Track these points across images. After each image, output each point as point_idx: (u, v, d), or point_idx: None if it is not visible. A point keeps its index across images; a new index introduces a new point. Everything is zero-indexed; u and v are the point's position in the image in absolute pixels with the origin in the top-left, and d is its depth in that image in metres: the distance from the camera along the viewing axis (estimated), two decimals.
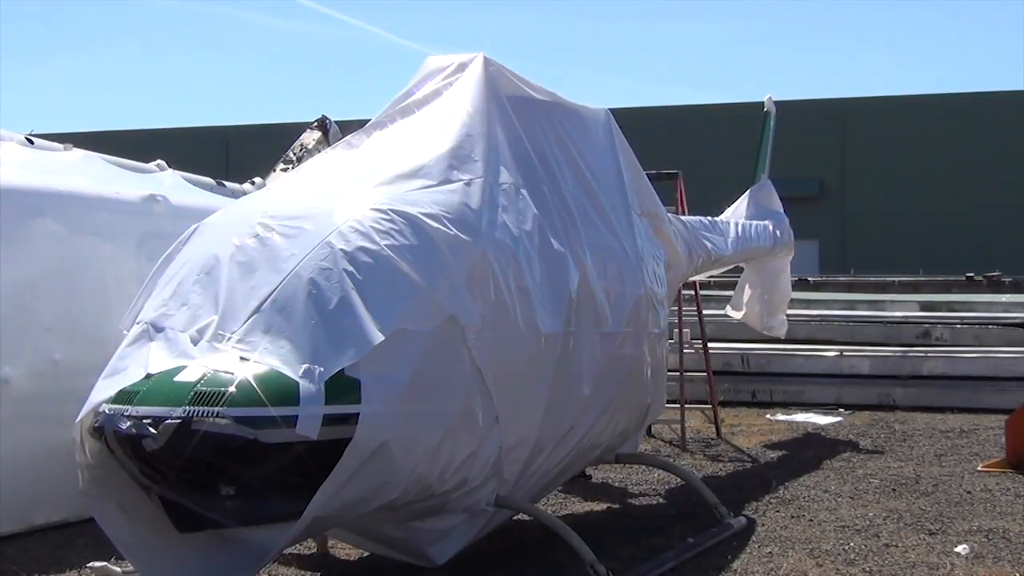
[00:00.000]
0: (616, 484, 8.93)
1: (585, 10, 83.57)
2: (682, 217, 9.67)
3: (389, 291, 5.02)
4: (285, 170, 10.03)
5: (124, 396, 4.85)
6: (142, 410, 4.71)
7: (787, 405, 13.75)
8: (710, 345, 12.59)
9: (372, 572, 6.47)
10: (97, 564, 6.31)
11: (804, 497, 8.38)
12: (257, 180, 10.21)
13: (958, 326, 15.20)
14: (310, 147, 10.59)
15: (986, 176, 39.38)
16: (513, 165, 6.26)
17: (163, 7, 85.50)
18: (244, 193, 9.55)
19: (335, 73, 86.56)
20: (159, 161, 9.42)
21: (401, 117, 6.43)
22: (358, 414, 4.71)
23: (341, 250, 5.07)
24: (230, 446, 4.61)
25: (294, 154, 10.64)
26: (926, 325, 15.29)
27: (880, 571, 6.32)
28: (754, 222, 11.37)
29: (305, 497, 4.68)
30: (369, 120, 6.54)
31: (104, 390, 5.00)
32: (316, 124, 11.01)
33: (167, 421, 4.61)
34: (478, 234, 5.58)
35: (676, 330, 11.91)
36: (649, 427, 10.79)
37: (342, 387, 4.72)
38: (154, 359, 5.03)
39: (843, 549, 6.76)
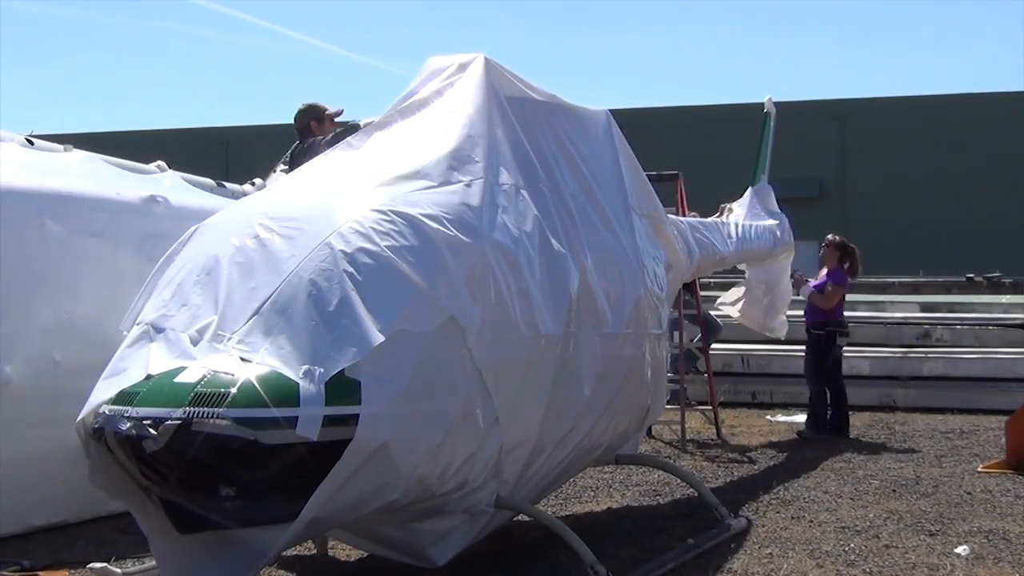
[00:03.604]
0: (616, 485, 8.93)
1: (577, 20, 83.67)
2: (682, 218, 9.67)
3: (389, 292, 5.02)
4: (285, 171, 10.01)
5: (124, 397, 4.85)
6: (142, 411, 4.71)
7: (787, 406, 13.75)
8: (710, 346, 12.59)
9: (372, 573, 6.47)
10: (97, 565, 6.31)
11: (804, 498, 8.38)
12: (257, 181, 10.20)
13: (958, 327, 15.21)
14: None
15: (986, 177, 39.35)
16: (513, 166, 6.26)
17: (162, 27, 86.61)
18: (244, 194, 9.54)
19: (332, 82, 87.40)
20: (159, 162, 9.41)
21: (401, 118, 6.43)
22: (358, 415, 4.71)
23: (341, 251, 5.07)
24: (230, 447, 4.61)
25: (297, 151, 10.58)
26: (926, 326, 15.30)
27: (880, 572, 6.33)
28: (754, 223, 11.38)
29: (306, 498, 4.68)
30: (371, 121, 6.54)
31: (104, 391, 5.00)
32: None
33: (167, 422, 4.61)
34: (478, 235, 5.58)
35: (676, 331, 11.91)
36: (649, 428, 10.79)
37: (342, 388, 4.71)
38: (154, 360, 5.03)
39: (843, 550, 6.76)
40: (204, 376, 4.76)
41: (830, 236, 12.11)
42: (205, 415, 4.59)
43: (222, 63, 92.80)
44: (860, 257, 12.09)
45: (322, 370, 4.70)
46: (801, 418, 12.85)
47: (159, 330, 5.19)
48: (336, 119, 8.70)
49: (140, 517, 5.16)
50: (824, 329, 11.64)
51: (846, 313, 15.91)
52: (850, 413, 11.87)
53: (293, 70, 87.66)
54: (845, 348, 13.77)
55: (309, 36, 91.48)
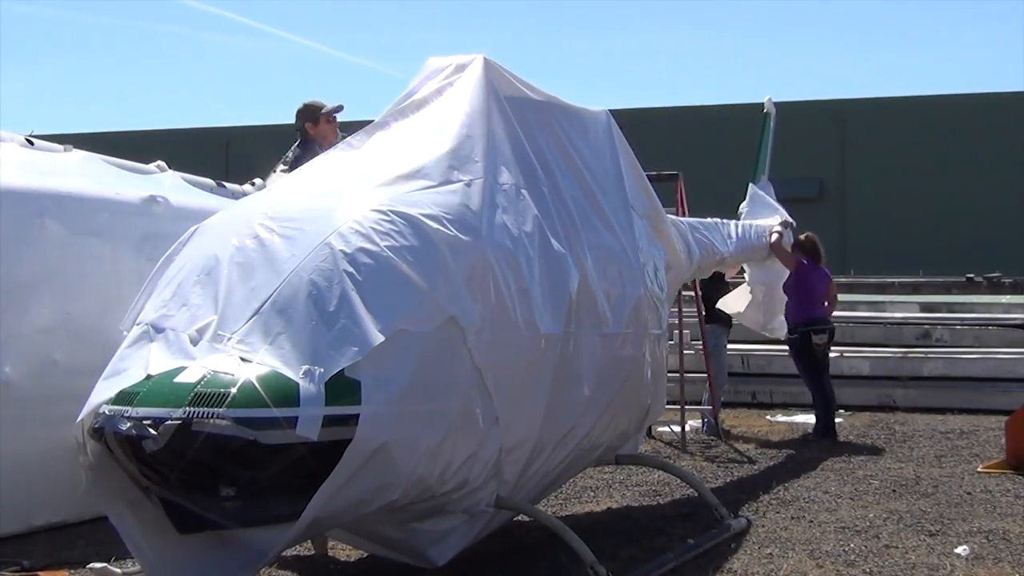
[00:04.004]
0: (616, 485, 8.93)
1: (577, 22, 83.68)
2: (682, 218, 9.67)
3: (389, 292, 5.02)
4: (285, 171, 10.02)
5: (124, 397, 4.86)
6: (142, 411, 4.71)
7: (787, 406, 13.75)
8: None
9: (372, 573, 6.48)
10: (97, 565, 6.31)
11: (804, 498, 8.38)
12: (257, 181, 10.19)
13: (958, 327, 15.21)
14: None
15: (986, 177, 39.35)
16: (513, 166, 6.26)
17: (162, 31, 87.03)
18: (244, 194, 9.54)
19: (329, 83, 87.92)
20: (159, 162, 9.41)
21: (401, 118, 6.43)
22: (358, 415, 4.71)
23: (341, 251, 5.07)
24: (230, 447, 4.61)
25: (294, 155, 10.60)
26: (926, 326, 15.30)
27: (880, 572, 6.33)
28: (754, 223, 11.39)
29: (306, 498, 4.69)
30: (370, 121, 6.54)
31: (104, 391, 5.00)
32: None
33: (167, 422, 4.61)
34: (478, 235, 5.58)
35: (676, 331, 11.91)
36: (649, 428, 10.79)
37: (342, 388, 4.72)
38: (154, 360, 5.03)
39: (843, 550, 6.76)
40: (204, 376, 4.76)
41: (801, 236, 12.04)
42: (205, 415, 4.60)
43: (222, 65, 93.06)
44: (823, 256, 12.02)
45: (322, 370, 4.70)
46: (801, 418, 12.87)
47: (159, 330, 5.20)
48: (335, 115, 8.68)
49: (124, 528, 5.15)
50: (796, 331, 11.60)
51: (846, 313, 16.02)
52: (848, 413, 11.87)
53: (292, 71, 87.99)
54: (846, 348, 13.82)
55: (306, 39, 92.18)
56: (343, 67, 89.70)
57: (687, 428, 11.47)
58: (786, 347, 14.03)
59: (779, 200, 12.58)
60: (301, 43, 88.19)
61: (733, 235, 10.32)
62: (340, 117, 8.71)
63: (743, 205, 12.20)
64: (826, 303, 11.90)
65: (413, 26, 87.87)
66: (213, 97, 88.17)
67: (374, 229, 5.19)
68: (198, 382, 4.73)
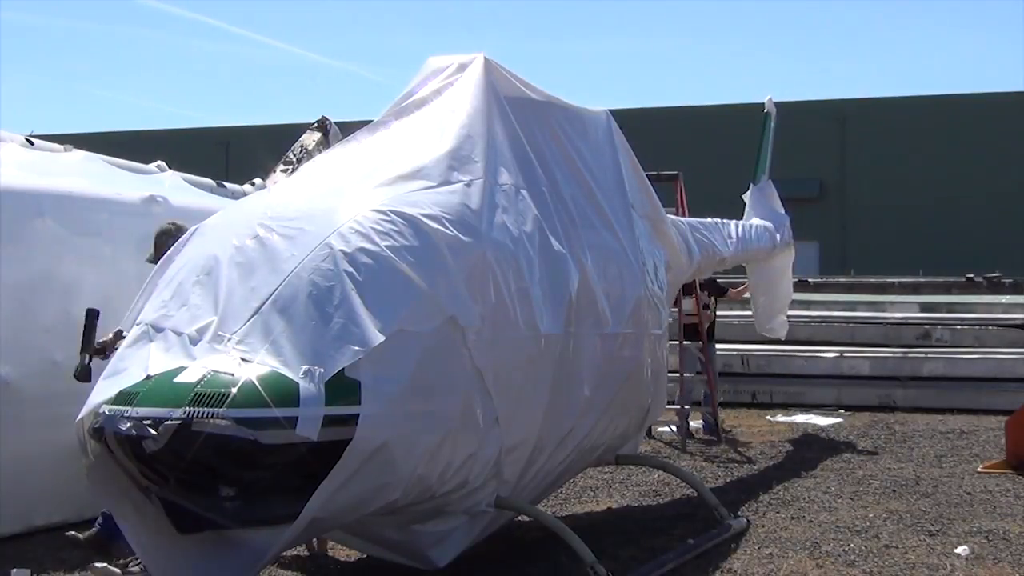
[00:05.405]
0: (616, 485, 8.93)
1: (577, 23, 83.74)
2: (682, 218, 9.66)
3: (389, 292, 5.03)
4: (285, 171, 10.03)
5: (124, 397, 4.86)
6: (142, 411, 4.72)
7: (787, 406, 13.75)
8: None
9: (372, 573, 6.47)
10: (98, 565, 6.31)
11: (804, 498, 8.38)
12: (257, 181, 10.21)
13: (958, 327, 15.21)
14: (310, 148, 10.57)
15: (986, 177, 39.35)
16: (513, 166, 6.26)
17: (162, 40, 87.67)
18: (244, 194, 9.55)
19: (324, 86, 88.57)
20: (159, 162, 9.42)
21: (401, 117, 6.43)
22: (358, 415, 4.71)
23: (341, 251, 5.07)
24: (230, 447, 4.62)
25: (294, 155, 10.62)
26: (926, 326, 15.30)
27: (880, 572, 6.33)
28: (754, 223, 11.37)
29: (306, 498, 4.69)
30: (370, 121, 6.54)
31: (104, 391, 5.00)
32: (316, 125, 10.98)
33: (167, 422, 4.61)
34: (478, 235, 5.58)
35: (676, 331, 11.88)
36: (649, 428, 10.78)
37: (342, 388, 4.72)
38: (154, 360, 5.03)
39: (843, 550, 6.76)
40: (204, 376, 4.76)
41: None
42: (205, 415, 4.60)
43: (221, 69, 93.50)
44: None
45: (322, 370, 4.70)
46: (801, 418, 12.87)
47: (159, 330, 5.20)
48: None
49: (128, 526, 5.15)
50: None
51: (846, 313, 16.10)
52: (848, 413, 11.73)
53: (291, 76, 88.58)
54: (846, 349, 13.86)
55: (305, 48, 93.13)
56: (338, 72, 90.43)
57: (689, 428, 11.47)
58: (786, 347, 14.11)
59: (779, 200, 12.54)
60: (298, 52, 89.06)
61: (733, 235, 10.30)
62: (333, 118, 8.68)
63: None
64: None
65: (410, 31, 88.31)
66: (213, 99, 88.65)
67: (374, 229, 5.19)
68: (198, 382, 4.73)
